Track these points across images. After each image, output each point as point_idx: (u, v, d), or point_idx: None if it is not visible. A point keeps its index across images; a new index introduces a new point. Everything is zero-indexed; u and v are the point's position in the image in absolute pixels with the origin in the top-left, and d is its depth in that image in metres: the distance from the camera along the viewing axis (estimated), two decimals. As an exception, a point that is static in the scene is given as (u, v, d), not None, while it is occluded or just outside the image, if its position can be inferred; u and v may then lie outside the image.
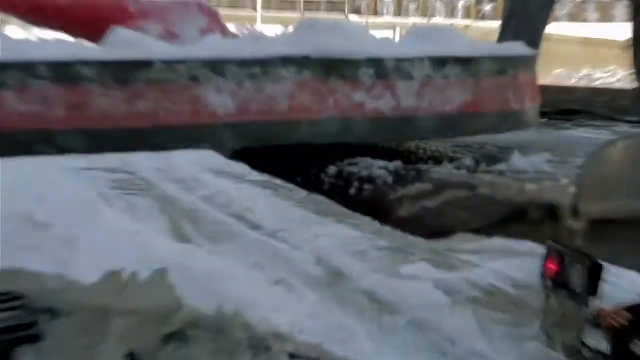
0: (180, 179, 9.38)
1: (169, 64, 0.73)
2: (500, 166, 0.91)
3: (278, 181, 8.92)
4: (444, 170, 0.89)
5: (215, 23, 1.04)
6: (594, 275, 2.52)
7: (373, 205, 0.75)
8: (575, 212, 0.58)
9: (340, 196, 0.81)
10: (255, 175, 9.33)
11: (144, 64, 0.70)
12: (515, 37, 2.08)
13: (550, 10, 2.10)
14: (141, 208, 7.71)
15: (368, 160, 0.88)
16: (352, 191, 0.79)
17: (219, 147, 0.91)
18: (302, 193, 8.29)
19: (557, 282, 2.60)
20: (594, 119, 2.39)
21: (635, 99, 2.53)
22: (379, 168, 0.81)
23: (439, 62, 0.83)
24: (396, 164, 0.88)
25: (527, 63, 0.97)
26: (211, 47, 0.80)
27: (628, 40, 2.31)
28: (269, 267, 5.64)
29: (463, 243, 6.07)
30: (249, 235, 6.77)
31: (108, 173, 9.16)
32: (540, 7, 1.98)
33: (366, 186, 0.78)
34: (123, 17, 0.93)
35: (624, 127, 2.13)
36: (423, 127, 0.86)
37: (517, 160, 0.87)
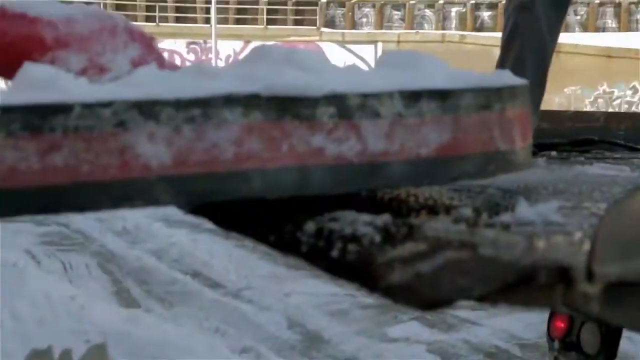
0: (124, 231, 9.43)
1: (91, 107, 0.77)
2: (505, 217, 0.97)
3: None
4: (440, 226, 0.93)
5: (149, 52, 1.09)
6: (612, 337, 2.56)
7: (359, 270, 0.79)
8: (589, 275, 0.62)
9: (321, 260, 0.85)
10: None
11: (61, 109, 0.74)
12: (520, 57, 2.15)
13: (561, 23, 2.18)
14: (77, 268, 7.74)
15: (352, 215, 0.92)
16: (334, 253, 0.83)
17: (152, 205, 0.95)
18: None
19: (567, 344, 2.62)
20: (614, 150, 2.46)
21: None
22: (364, 224, 0.85)
23: (412, 97, 0.89)
24: (384, 218, 0.91)
25: (517, 95, 1.03)
26: (143, 84, 0.85)
27: None
28: (233, 334, 5.67)
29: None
30: (208, 296, 6.80)
31: (36, 226, 9.17)
32: (550, 18, 2.05)
33: (351, 247, 0.81)
34: (39, 49, 0.97)
35: None
36: (394, 175, 0.90)
37: (524, 210, 0.93)
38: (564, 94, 28.88)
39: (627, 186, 1.50)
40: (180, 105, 0.79)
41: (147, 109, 0.77)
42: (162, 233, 8.24)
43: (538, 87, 2.24)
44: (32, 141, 0.75)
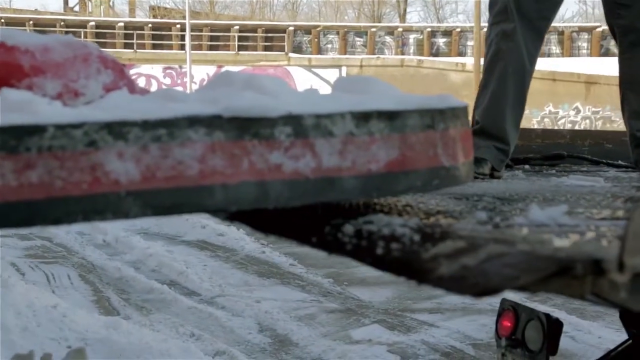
0: (105, 244, 9.34)
1: (64, 129, 0.78)
2: (519, 219, 0.99)
3: (215, 241, 8.94)
4: (469, 227, 0.95)
5: (121, 77, 1.10)
6: (554, 333, 2.60)
7: (405, 265, 0.81)
8: (620, 266, 0.65)
9: (367, 257, 0.87)
10: (190, 236, 9.35)
11: (35, 130, 0.75)
12: (503, 79, 2.19)
13: (539, 50, 2.21)
14: (59, 278, 7.65)
15: (384, 218, 0.94)
16: (379, 251, 0.85)
17: (122, 218, 0.96)
18: (241, 254, 8.35)
19: (513, 341, 2.65)
20: (579, 163, 2.52)
21: (620, 142, 2.67)
22: (400, 226, 0.87)
23: (363, 118, 0.90)
24: (414, 220, 0.94)
25: (459, 115, 1.05)
26: (115, 107, 0.86)
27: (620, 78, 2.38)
28: (207, 338, 5.64)
29: (419, 302, 6.19)
30: (184, 303, 6.76)
31: (20, 240, 9.06)
32: (529, 46, 2.08)
33: (393, 245, 0.84)
34: (17, 76, 0.97)
35: (612, 173, 2.24)
36: (347, 188, 0.92)
37: (536, 213, 0.96)
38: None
39: (606, 195, 1.54)
40: (147, 125, 0.80)
41: (117, 129, 0.78)
42: (141, 245, 8.18)
43: (519, 106, 2.30)
44: (9, 160, 0.75)
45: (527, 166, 2.50)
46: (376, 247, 0.86)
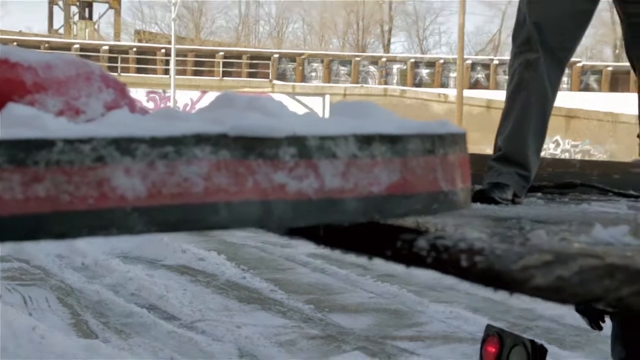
0: (83, 267, 9.26)
1: (72, 143, 0.79)
2: (583, 238, 1.02)
3: (196, 266, 8.90)
4: (544, 242, 0.98)
5: (122, 97, 1.10)
6: (538, 359, 2.61)
7: (496, 276, 0.83)
8: None
9: (453, 269, 0.89)
10: (170, 260, 9.30)
11: (44, 144, 0.76)
12: (525, 108, 2.26)
13: (560, 79, 2.28)
14: (37, 301, 7.57)
15: (456, 234, 0.96)
16: (464, 264, 0.87)
17: (127, 233, 0.95)
18: (221, 279, 8.31)
19: (498, 367, 2.65)
20: (589, 192, 2.58)
21: (628, 173, 2.76)
22: (476, 240, 0.89)
23: (365, 141, 0.93)
24: (489, 236, 0.97)
25: (458, 141, 1.07)
26: (119, 124, 0.87)
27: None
28: (186, 363, 5.61)
29: (400, 330, 6.20)
30: (163, 328, 6.71)
31: (-2, 262, 8.98)
32: (551, 75, 2.15)
33: (478, 258, 0.86)
34: (18, 92, 0.98)
35: (628, 202, 2.31)
36: (349, 210, 0.94)
37: (599, 233, 0.99)
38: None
39: (634, 221, 1.58)
40: (155, 142, 0.81)
41: (124, 145, 0.79)
42: (120, 269, 8.13)
43: (540, 134, 2.36)
44: (17, 173, 0.76)
45: (539, 194, 2.55)
46: (460, 260, 0.90)
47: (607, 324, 3.13)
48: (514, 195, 2.19)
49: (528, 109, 2.32)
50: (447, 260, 0.91)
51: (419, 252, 0.94)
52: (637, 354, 2.40)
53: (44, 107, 1.03)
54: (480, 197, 2.11)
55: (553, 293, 0.80)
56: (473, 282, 0.90)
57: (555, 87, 2.38)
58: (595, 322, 3.08)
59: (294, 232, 1.05)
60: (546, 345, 2.67)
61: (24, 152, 0.76)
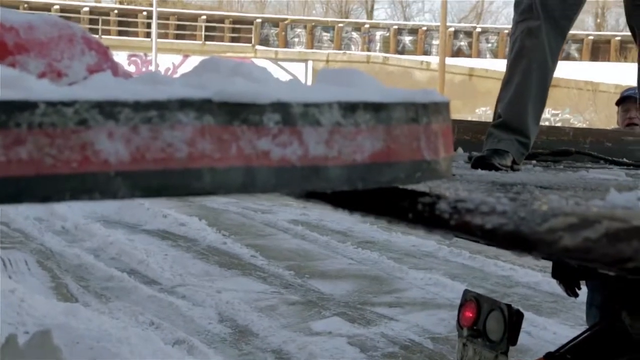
0: (64, 230, 9.22)
1: (55, 106, 0.77)
2: (595, 202, 1.03)
3: (177, 231, 8.89)
4: (567, 205, 0.99)
5: (104, 60, 1.08)
6: (514, 324, 2.65)
7: (522, 238, 0.84)
8: None
9: (478, 231, 0.89)
10: (151, 225, 9.29)
11: (26, 106, 0.74)
12: (526, 75, 2.26)
13: (561, 48, 2.28)
14: (17, 264, 7.54)
15: (477, 197, 0.96)
16: (488, 226, 0.87)
17: (110, 198, 0.94)
18: (202, 245, 8.32)
19: (475, 331, 2.70)
20: (582, 160, 2.61)
21: (619, 141, 2.81)
22: (498, 204, 0.89)
23: (350, 108, 0.91)
24: (510, 200, 0.98)
25: (441, 111, 1.06)
26: (102, 87, 0.85)
27: None
28: (167, 327, 5.60)
29: (379, 296, 6.25)
30: (143, 292, 6.70)
31: (-23, 224, 8.92)
32: (552, 44, 2.14)
33: (502, 220, 0.86)
34: (0, 53, 0.96)
35: (624, 169, 2.35)
36: (332, 177, 0.93)
37: (614, 197, 1.00)
38: (475, 114, 29.48)
39: (636, 187, 1.59)
40: (139, 106, 0.80)
41: (108, 109, 0.78)
42: (101, 233, 8.11)
43: (540, 102, 2.38)
44: None
45: (533, 161, 2.57)
46: (484, 223, 0.91)
47: (583, 291, 3.19)
48: (512, 162, 2.22)
49: (529, 76, 2.33)
50: (471, 222, 0.93)
51: (441, 214, 0.94)
52: (610, 318, 2.45)
53: (25, 68, 1.02)
54: (481, 163, 2.13)
55: (583, 254, 0.83)
56: (497, 244, 0.92)
57: (555, 56, 2.38)
58: (571, 289, 3.13)
59: (310, 195, 1.05)
60: (523, 312, 2.71)
61: (6, 113, 0.75)
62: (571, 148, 2.73)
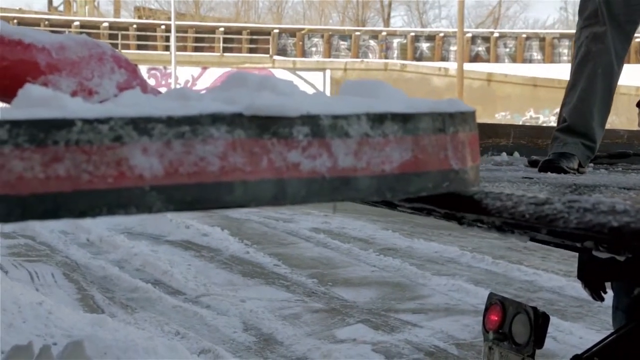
0: (88, 243, 9.30)
1: (91, 123, 0.79)
2: None
3: (199, 241, 8.93)
4: (613, 200, 1.01)
5: (134, 77, 1.11)
6: (540, 327, 2.64)
7: (625, 236, 0.87)
8: None
9: (604, 229, 0.91)
10: (174, 235, 9.34)
11: (64, 124, 0.76)
12: (591, 80, 2.27)
13: (626, 52, 2.29)
14: (44, 276, 7.61)
15: (588, 198, 0.99)
16: (614, 224, 0.90)
17: (145, 212, 0.96)
18: (225, 254, 8.36)
19: (500, 334, 2.69)
20: (638, 162, 2.64)
21: None
22: (615, 201, 0.92)
23: (377, 119, 0.92)
24: (621, 200, 1.02)
25: (468, 120, 1.07)
26: (134, 104, 0.88)
27: None
28: (192, 336, 5.63)
29: (403, 302, 6.24)
30: (168, 302, 6.75)
31: (3, 239, 8.99)
32: (618, 49, 2.15)
33: (626, 218, 0.89)
34: (32, 73, 0.98)
35: None
36: (361, 188, 0.94)
37: None
38: (495, 119, 29.36)
39: None
40: (172, 122, 0.82)
41: (142, 125, 0.80)
42: (125, 245, 8.17)
43: (605, 106, 2.39)
44: (37, 152, 0.77)
45: (591, 164, 2.58)
46: (608, 221, 0.93)
47: (609, 295, 3.17)
48: (578, 164, 2.23)
49: (594, 80, 2.33)
50: (592, 221, 0.94)
51: (556, 215, 0.96)
52: (636, 321, 2.44)
53: (57, 88, 1.04)
54: (549, 166, 2.14)
55: None
56: (619, 241, 0.93)
57: (621, 60, 2.38)
58: (596, 293, 3.12)
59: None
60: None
61: (44, 132, 0.77)
62: (628, 150, 2.74)
